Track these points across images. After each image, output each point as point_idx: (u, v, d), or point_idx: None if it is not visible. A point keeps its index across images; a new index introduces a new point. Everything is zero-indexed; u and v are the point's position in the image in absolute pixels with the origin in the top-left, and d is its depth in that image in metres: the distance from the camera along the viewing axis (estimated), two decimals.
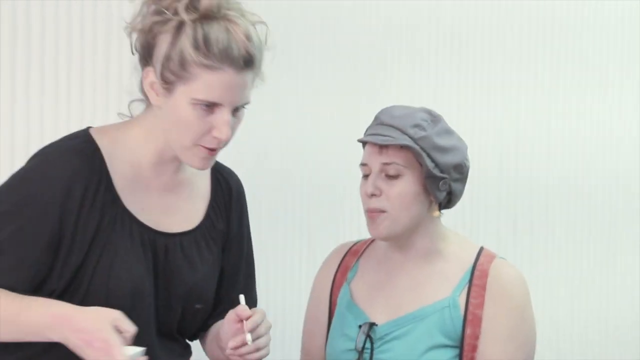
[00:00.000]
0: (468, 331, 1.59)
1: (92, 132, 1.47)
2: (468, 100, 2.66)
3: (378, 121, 1.65)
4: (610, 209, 2.89)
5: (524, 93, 2.74)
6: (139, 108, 1.50)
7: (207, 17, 1.38)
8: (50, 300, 1.37)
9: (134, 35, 1.44)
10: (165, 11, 1.38)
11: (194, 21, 1.37)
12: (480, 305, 1.60)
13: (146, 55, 1.42)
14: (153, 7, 1.40)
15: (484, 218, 2.68)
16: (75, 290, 1.40)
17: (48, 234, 1.38)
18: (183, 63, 1.37)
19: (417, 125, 1.60)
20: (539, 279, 2.73)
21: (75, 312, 1.33)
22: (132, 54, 1.46)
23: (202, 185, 1.56)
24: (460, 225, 2.61)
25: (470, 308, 1.60)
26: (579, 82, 2.82)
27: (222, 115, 1.39)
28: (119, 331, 1.31)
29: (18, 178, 1.42)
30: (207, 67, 1.36)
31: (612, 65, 2.87)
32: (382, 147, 1.61)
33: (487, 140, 2.69)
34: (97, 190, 1.41)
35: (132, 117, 1.51)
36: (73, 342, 1.32)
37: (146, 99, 1.46)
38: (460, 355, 1.59)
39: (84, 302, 1.38)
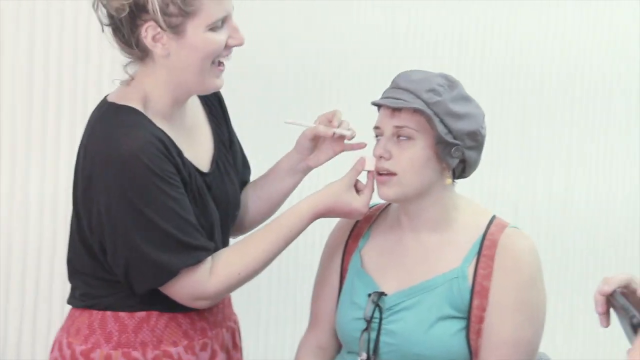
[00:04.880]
0: (475, 302, 1.57)
1: (117, 101, 1.56)
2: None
3: (394, 84, 1.63)
4: None
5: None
6: (132, 69, 1.58)
7: None
8: (292, 211, 1.62)
9: (105, 9, 1.51)
10: None
11: None
12: (489, 276, 1.57)
13: (136, 15, 1.49)
14: None
15: (502, 186, 2.65)
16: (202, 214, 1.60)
17: (179, 191, 1.53)
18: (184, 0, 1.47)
19: (432, 90, 1.57)
20: (556, 246, 2.70)
21: (321, 201, 1.62)
22: (102, 28, 1.54)
23: (198, 112, 1.69)
24: (478, 193, 2.60)
25: (478, 279, 1.57)
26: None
27: (231, 24, 1.55)
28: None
29: (121, 176, 1.48)
30: None
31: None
32: (395, 110, 1.58)
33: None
34: (167, 145, 1.53)
35: (132, 78, 1.58)
36: (332, 217, 1.66)
37: (137, 57, 1.54)
38: (468, 327, 1.57)
39: (203, 212, 1.60)
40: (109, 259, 1.55)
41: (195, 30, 1.50)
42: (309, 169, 1.78)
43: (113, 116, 1.54)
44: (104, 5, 1.52)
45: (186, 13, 1.49)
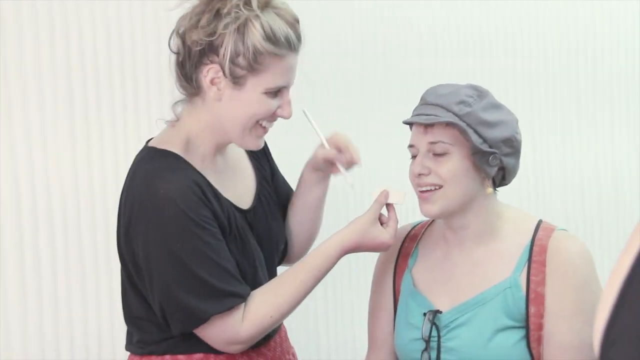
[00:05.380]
0: (532, 310, 1.54)
1: (158, 145, 1.59)
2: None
3: (423, 101, 1.62)
4: None
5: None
6: (179, 108, 1.61)
7: (262, 9, 1.51)
8: (319, 249, 1.62)
9: (180, 39, 1.54)
10: (226, 12, 1.50)
11: (255, 16, 1.50)
12: (542, 282, 1.54)
13: (206, 54, 1.52)
14: (209, 10, 1.51)
15: (549, 190, 2.62)
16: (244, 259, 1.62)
17: (216, 236, 1.54)
18: (255, 55, 1.50)
19: (462, 102, 1.56)
20: (611, 247, 2.65)
21: (348, 239, 1.61)
22: (176, 54, 1.57)
23: (239, 150, 1.71)
24: (526, 199, 2.56)
25: (532, 286, 1.55)
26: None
27: (286, 97, 1.58)
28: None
29: (157, 220, 1.51)
30: (277, 55, 1.52)
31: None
32: (428, 127, 1.57)
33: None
34: (204, 190, 1.55)
35: (177, 119, 1.60)
36: (360, 251, 1.65)
37: (189, 93, 1.57)
38: (527, 336, 1.54)
39: (244, 251, 1.61)
40: (149, 302, 1.56)
41: (253, 87, 1.53)
42: (329, 175, 1.78)
43: (152, 161, 1.56)
44: (180, 35, 1.55)
45: (252, 69, 1.52)
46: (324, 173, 1.76)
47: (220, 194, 1.59)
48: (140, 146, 1.65)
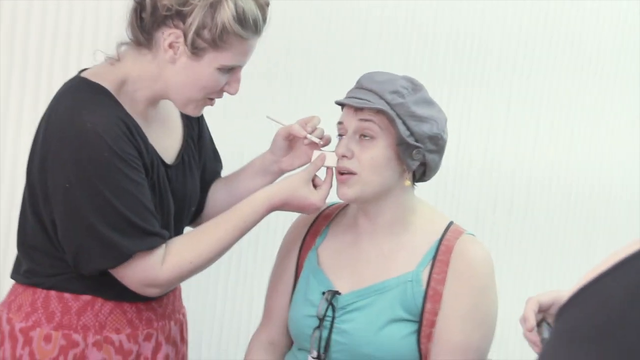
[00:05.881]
0: (428, 306, 1.56)
1: (90, 77, 1.54)
2: (461, 80, 2.64)
3: (359, 84, 1.62)
4: (590, 200, 2.87)
5: (517, 83, 2.72)
6: (123, 48, 1.56)
7: None
8: (247, 201, 1.60)
9: None
10: None
11: None
12: (442, 281, 1.57)
13: (171, 19, 1.49)
14: None
15: (465, 194, 2.66)
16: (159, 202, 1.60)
17: (140, 175, 1.52)
18: (222, 34, 1.49)
19: (395, 92, 1.57)
20: (514, 257, 2.72)
21: (278, 194, 1.60)
22: (138, 4, 1.53)
23: (171, 105, 1.66)
24: (441, 199, 2.60)
25: (432, 283, 1.57)
26: (573, 76, 2.80)
27: (237, 75, 1.57)
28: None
29: (81, 154, 1.46)
30: (241, 37, 1.51)
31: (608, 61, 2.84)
32: (357, 110, 1.58)
33: (476, 117, 2.66)
34: (132, 130, 1.52)
35: (118, 59, 1.56)
36: (287, 210, 1.63)
37: (138, 42, 1.53)
38: (419, 330, 1.57)
39: (160, 203, 1.59)
40: (59, 237, 1.52)
41: (209, 62, 1.52)
42: (281, 172, 1.76)
43: (81, 92, 1.52)
44: None
45: (214, 45, 1.50)
46: (278, 158, 1.73)
47: (147, 139, 1.56)
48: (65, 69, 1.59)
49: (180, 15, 1.49)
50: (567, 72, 2.79)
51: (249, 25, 1.51)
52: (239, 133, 2.26)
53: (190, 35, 1.49)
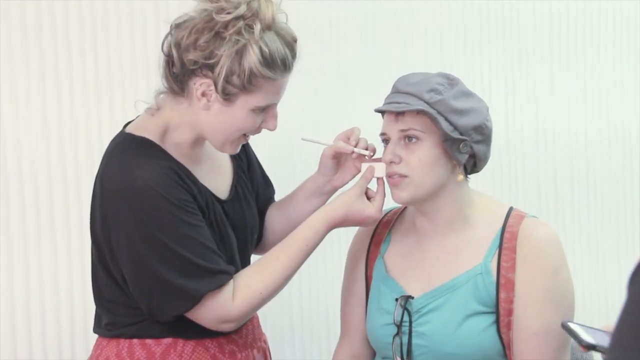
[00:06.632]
0: (502, 296, 1.56)
1: (135, 132, 1.59)
2: (500, 62, 2.62)
3: (395, 89, 1.63)
4: None
5: (557, 53, 2.68)
6: (161, 97, 1.60)
7: (265, 31, 1.52)
8: (306, 224, 1.63)
9: (175, 50, 1.53)
10: (227, 37, 1.49)
11: (256, 40, 1.50)
12: (512, 268, 1.56)
13: (200, 69, 1.52)
14: (209, 29, 1.50)
15: (522, 177, 2.64)
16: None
17: (197, 218, 1.56)
18: (250, 78, 1.51)
19: (433, 90, 1.57)
20: (583, 233, 2.67)
21: (335, 212, 1.63)
22: (167, 57, 1.56)
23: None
24: (499, 186, 2.58)
25: (502, 272, 1.56)
26: (620, 43, 2.75)
27: (273, 111, 1.59)
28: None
29: (138, 209, 1.51)
30: (271, 78, 1.52)
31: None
32: (399, 115, 1.58)
33: (520, 98, 2.63)
34: (181, 175, 1.56)
35: (158, 108, 1.60)
36: (347, 226, 1.66)
37: (174, 92, 1.56)
38: (497, 321, 1.56)
39: (222, 239, 1.63)
40: (131, 290, 1.56)
41: (242, 105, 1.54)
42: (334, 190, 1.77)
43: (128, 148, 1.56)
44: (175, 47, 1.53)
45: (245, 89, 1.52)
46: (329, 177, 1.75)
47: (198, 181, 1.60)
48: (111, 125, 1.63)
49: (208, 66, 1.51)
50: (607, 40, 2.74)
51: (277, 66, 1.53)
52: (285, 146, 2.28)
53: (220, 83, 1.51)
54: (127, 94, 2.17)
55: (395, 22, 2.50)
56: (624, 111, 2.78)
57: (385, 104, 1.62)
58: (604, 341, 1.14)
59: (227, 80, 1.51)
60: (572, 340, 1.58)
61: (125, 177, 1.52)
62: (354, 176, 1.73)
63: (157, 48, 1.58)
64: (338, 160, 1.74)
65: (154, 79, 1.62)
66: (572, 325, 1.21)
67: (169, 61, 1.56)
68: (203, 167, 1.64)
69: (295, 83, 1.60)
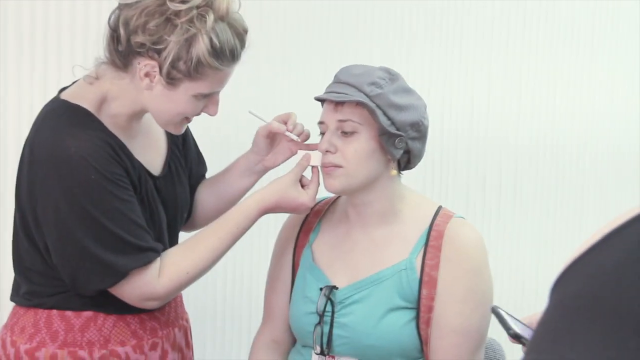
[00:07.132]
0: (424, 292, 1.58)
1: (70, 99, 1.54)
2: (440, 63, 2.64)
3: (337, 79, 1.63)
4: (577, 169, 2.88)
5: (495, 55, 2.72)
6: (102, 68, 1.56)
7: (218, 21, 1.50)
8: (238, 208, 1.62)
9: (123, 29, 1.49)
10: (178, 25, 1.47)
11: (207, 30, 1.47)
12: (436, 266, 1.58)
13: (146, 51, 1.49)
14: (160, 14, 1.47)
15: (453, 178, 2.67)
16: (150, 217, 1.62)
17: (128, 193, 1.53)
18: (197, 66, 1.49)
19: (373, 83, 1.58)
20: (506, 236, 2.73)
21: (268, 198, 1.62)
22: (113, 32, 1.52)
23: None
24: (430, 185, 2.61)
25: (426, 269, 1.59)
26: (551, 44, 2.80)
27: (215, 98, 1.58)
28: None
29: (68, 179, 1.47)
30: (217, 68, 1.51)
31: (583, 27, 2.84)
32: (338, 105, 1.59)
33: (457, 101, 2.67)
34: (116, 149, 1.53)
35: (97, 77, 1.56)
36: (279, 212, 1.66)
37: (115, 66, 1.53)
38: (418, 317, 1.58)
39: (151, 216, 1.62)
40: (54, 261, 1.53)
41: (186, 90, 1.53)
42: (265, 170, 1.78)
43: (62, 115, 1.53)
44: (123, 25, 1.49)
45: (190, 76, 1.51)
46: (261, 157, 1.76)
47: (132, 155, 1.58)
48: (44, 90, 1.59)
49: (155, 49, 1.49)
50: (544, 41, 2.79)
51: (225, 57, 1.51)
52: (224, 127, 2.26)
53: (166, 67, 1.49)
54: (64, 58, 2.13)
55: (342, 13, 2.50)
56: (555, 116, 2.84)
57: (325, 92, 1.62)
58: (527, 334, 1.17)
59: (173, 65, 1.49)
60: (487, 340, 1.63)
61: (57, 145, 1.48)
62: (287, 159, 1.74)
63: (97, 11, 1.54)
64: (272, 140, 1.75)
65: (92, 45, 1.58)
66: (501, 312, 1.22)
67: (115, 36, 1.52)
68: (138, 141, 1.62)
69: (238, 65, 1.59)
